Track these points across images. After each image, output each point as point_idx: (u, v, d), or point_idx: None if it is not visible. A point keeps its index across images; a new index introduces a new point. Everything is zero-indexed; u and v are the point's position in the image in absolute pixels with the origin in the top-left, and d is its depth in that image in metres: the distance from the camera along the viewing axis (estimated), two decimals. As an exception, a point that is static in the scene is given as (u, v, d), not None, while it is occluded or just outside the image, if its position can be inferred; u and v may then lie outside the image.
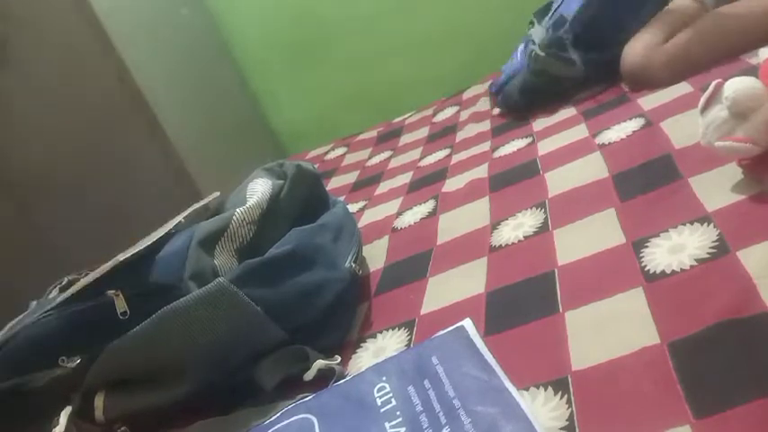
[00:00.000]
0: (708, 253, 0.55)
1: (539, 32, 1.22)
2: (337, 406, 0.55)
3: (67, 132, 1.53)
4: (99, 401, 0.62)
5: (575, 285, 0.60)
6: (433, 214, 0.92)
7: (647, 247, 0.60)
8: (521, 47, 1.29)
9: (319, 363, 0.62)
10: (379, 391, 0.55)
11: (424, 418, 0.49)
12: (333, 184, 1.33)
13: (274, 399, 0.61)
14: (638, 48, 1.01)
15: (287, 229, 0.76)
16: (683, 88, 0.90)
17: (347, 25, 2.05)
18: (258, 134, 2.13)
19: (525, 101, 1.18)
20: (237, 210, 0.76)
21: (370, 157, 1.41)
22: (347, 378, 0.61)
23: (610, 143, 0.85)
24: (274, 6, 2.07)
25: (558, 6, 1.25)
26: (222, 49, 2.07)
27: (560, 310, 0.57)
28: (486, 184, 0.93)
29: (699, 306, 0.50)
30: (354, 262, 0.76)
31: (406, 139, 1.43)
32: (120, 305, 0.65)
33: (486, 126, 1.21)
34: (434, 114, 1.49)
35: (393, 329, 0.68)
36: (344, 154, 1.54)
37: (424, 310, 0.68)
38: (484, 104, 1.35)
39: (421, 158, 1.22)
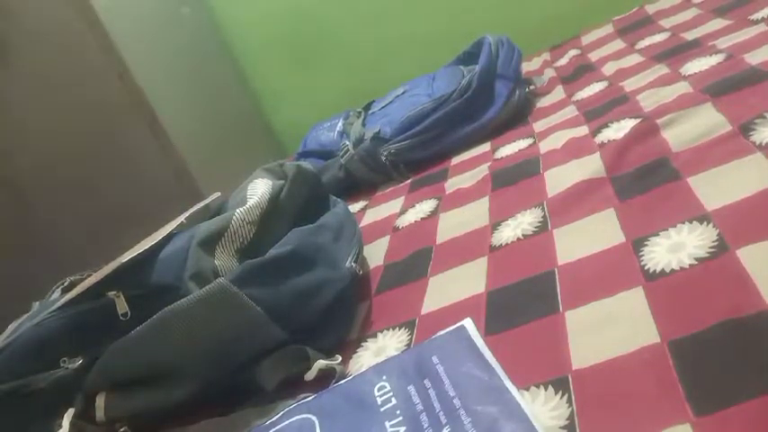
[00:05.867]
0: (707, 252, 0.55)
1: (357, 130, 1.23)
2: (338, 406, 0.55)
3: (67, 132, 1.53)
4: (100, 402, 0.63)
5: (575, 284, 0.60)
6: (434, 213, 0.92)
7: (646, 245, 0.60)
8: (339, 124, 1.32)
9: (320, 363, 0.62)
10: (379, 390, 0.55)
11: (424, 418, 0.49)
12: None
13: (275, 399, 0.61)
14: None
15: (287, 230, 0.76)
16: (683, 88, 0.90)
17: (347, 25, 2.05)
18: (258, 134, 2.13)
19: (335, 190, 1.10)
20: (238, 210, 0.76)
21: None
22: (348, 378, 0.61)
23: (609, 141, 0.85)
24: (275, 6, 2.07)
25: (383, 107, 1.28)
26: (223, 48, 2.07)
27: (560, 309, 0.57)
28: (487, 184, 0.93)
29: (699, 305, 0.50)
30: (355, 262, 0.76)
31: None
32: (121, 306, 0.65)
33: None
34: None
35: (393, 329, 0.68)
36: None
37: (424, 310, 0.69)
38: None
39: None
